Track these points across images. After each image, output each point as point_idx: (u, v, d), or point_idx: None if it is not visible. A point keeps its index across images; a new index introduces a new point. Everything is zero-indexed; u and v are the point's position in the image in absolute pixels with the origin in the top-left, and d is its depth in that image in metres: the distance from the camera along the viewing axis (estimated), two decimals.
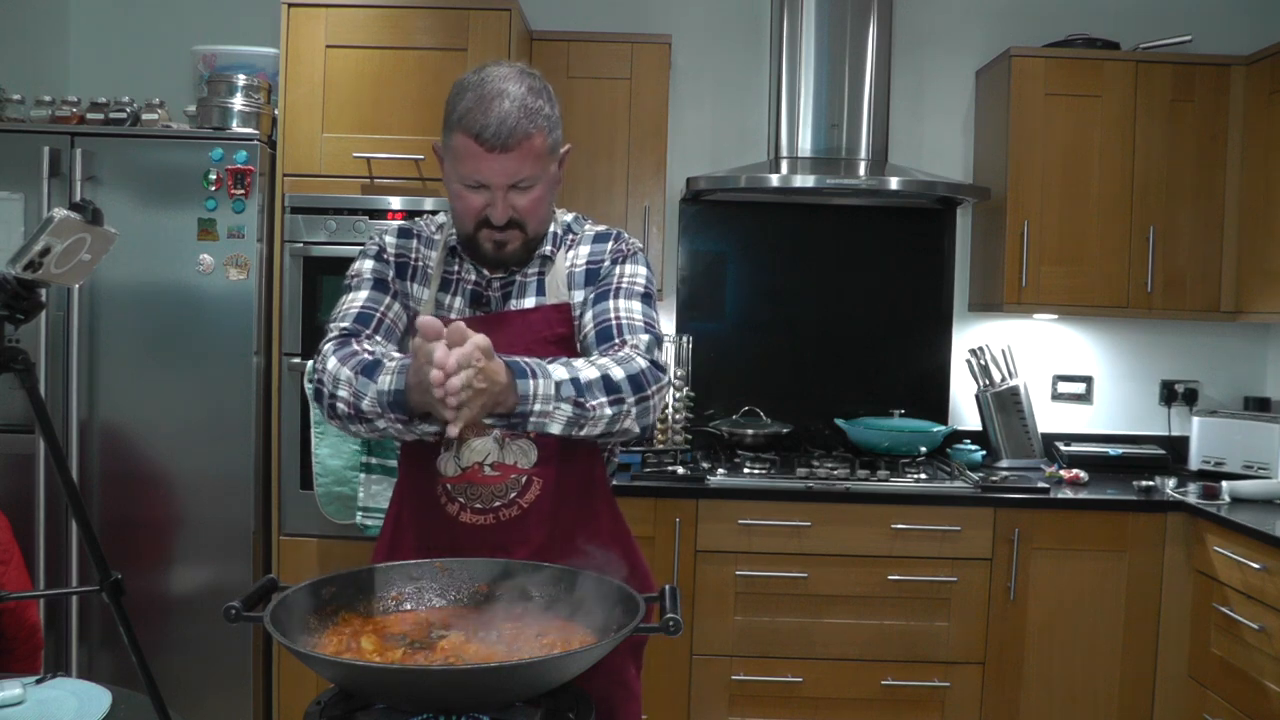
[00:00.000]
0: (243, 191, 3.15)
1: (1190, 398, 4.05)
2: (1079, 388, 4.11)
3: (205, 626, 3.17)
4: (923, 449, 3.74)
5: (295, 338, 3.26)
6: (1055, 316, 3.99)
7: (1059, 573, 3.38)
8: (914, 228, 4.05)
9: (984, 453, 3.86)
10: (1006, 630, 3.39)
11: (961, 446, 3.84)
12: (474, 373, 1.44)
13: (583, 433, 1.63)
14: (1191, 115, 3.67)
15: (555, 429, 1.60)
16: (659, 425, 3.70)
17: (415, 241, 1.92)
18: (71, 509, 1.80)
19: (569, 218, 1.96)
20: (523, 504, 1.81)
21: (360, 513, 3.15)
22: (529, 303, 1.86)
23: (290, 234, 3.25)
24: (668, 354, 3.75)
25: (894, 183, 3.63)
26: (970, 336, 4.06)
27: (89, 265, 1.61)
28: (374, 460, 3.12)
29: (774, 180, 3.61)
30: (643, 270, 1.89)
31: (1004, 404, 3.89)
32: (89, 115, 3.24)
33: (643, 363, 1.70)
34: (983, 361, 3.94)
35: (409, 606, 1.60)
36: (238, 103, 3.24)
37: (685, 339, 3.87)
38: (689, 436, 3.80)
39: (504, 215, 1.76)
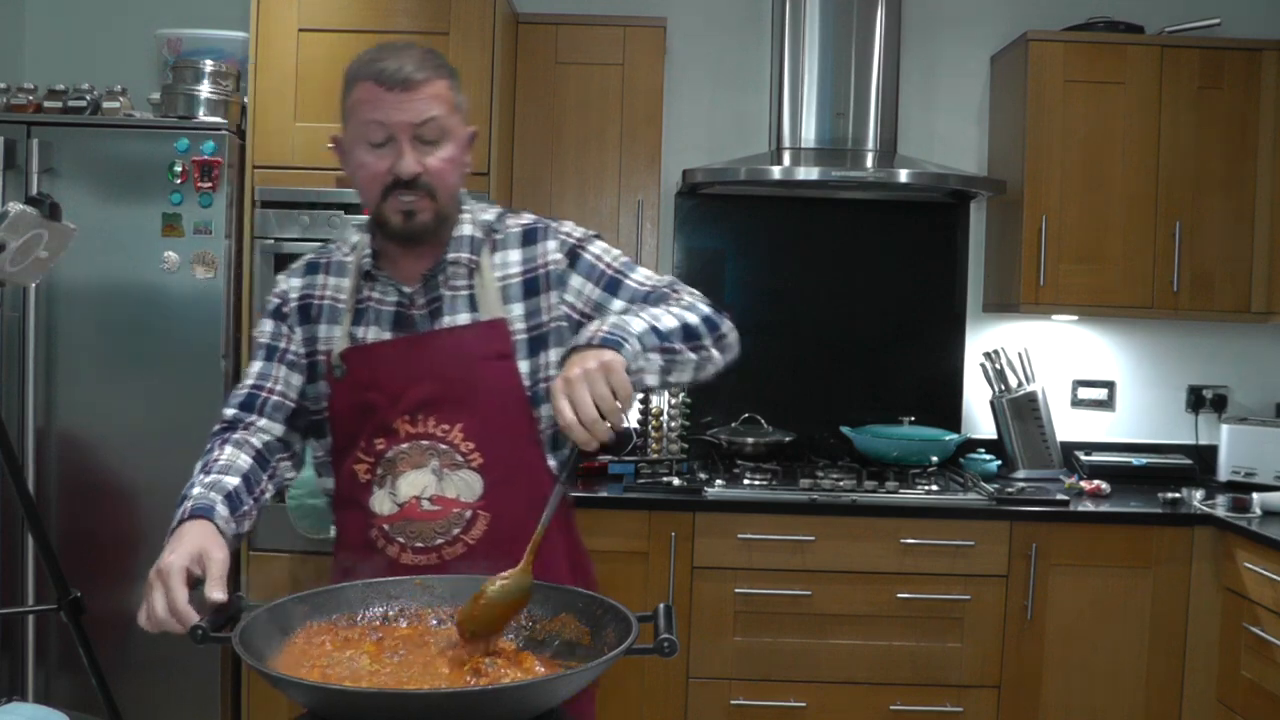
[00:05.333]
0: (210, 184, 3.16)
1: (1219, 404, 4.06)
2: (1100, 393, 4.12)
3: (170, 648, 3.10)
4: (934, 459, 3.75)
5: None
6: (1075, 317, 4.00)
7: (1079, 590, 3.39)
8: (925, 223, 4.07)
9: (999, 462, 3.88)
10: (1023, 652, 3.40)
11: (975, 456, 3.85)
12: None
13: (671, 379, 1.72)
14: (1221, 103, 3.68)
15: (652, 380, 1.67)
16: (653, 433, 3.71)
17: (321, 276, 1.91)
18: (28, 523, 1.81)
19: (490, 215, 1.93)
20: (468, 540, 1.79)
21: (335, 528, 3.16)
22: (463, 319, 1.84)
23: (260, 229, 3.26)
24: None
25: (903, 175, 3.64)
26: (985, 339, 4.07)
27: (46, 262, 1.62)
28: None
29: (776, 172, 3.63)
30: (614, 249, 1.92)
31: (1020, 411, 3.90)
32: (46, 104, 3.24)
33: (705, 308, 1.82)
34: (998, 365, 3.95)
35: (401, 624, 1.60)
36: (204, 90, 3.25)
37: None
38: (685, 445, 3.80)
39: (413, 166, 1.74)
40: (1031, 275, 3.69)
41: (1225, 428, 3.90)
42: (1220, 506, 3.46)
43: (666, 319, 1.71)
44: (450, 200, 1.82)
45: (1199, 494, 3.65)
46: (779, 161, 3.76)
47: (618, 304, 1.85)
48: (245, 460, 1.78)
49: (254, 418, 1.85)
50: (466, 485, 1.79)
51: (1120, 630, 3.40)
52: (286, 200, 3.26)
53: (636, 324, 1.65)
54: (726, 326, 1.83)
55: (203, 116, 3.24)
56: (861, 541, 3.37)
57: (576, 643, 1.54)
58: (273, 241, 3.25)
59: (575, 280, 1.87)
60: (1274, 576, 3.07)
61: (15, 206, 1.54)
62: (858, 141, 3.79)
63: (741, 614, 3.39)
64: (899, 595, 3.37)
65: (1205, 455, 3.99)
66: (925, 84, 4.05)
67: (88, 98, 3.26)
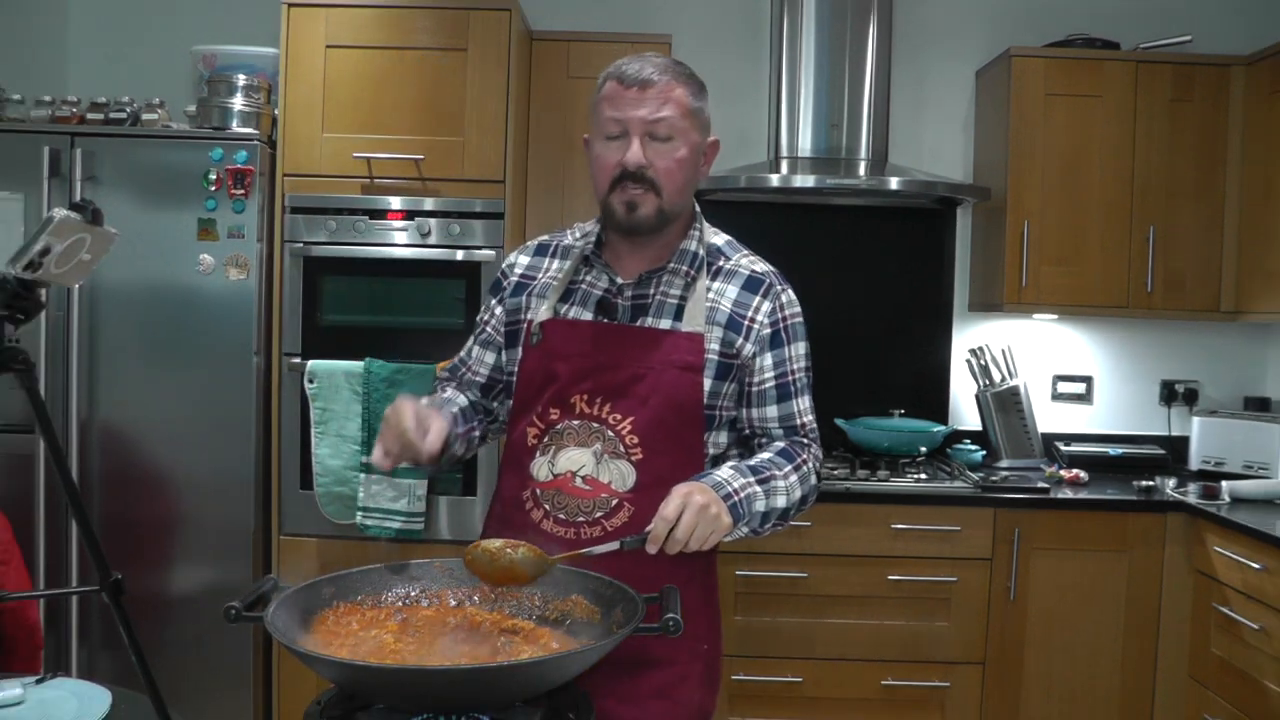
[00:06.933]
0: (243, 191, 3.15)
1: (1190, 398, 4.05)
2: (1079, 388, 4.10)
3: (205, 626, 3.17)
4: (923, 449, 3.74)
5: (295, 338, 3.25)
6: (1055, 316, 3.98)
7: (1059, 573, 3.38)
8: (914, 228, 4.05)
9: (984, 453, 3.86)
10: (1006, 630, 3.39)
11: (961, 446, 3.84)
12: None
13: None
14: (1191, 115, 3.67)
15: (725, 538, 1.72)
16: None
17: (548, 259, 1.94)
18: (71, 509, 1.80)
19: (719, 241, 1.96)
20: (606, 526, 1.75)
21: (360, 513, 3.16)
22: (665, 324, 1.82)
23: (290, 234, 3.25)
24: None
25: (894, 183, 3.63)
26: (970, 336, 4.06)
27: (89, 265, 1.61)
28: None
29: (774, 180, 3.61)
30: (803, 346, 1.94)
31: (1004, 404, 3.89)
32: (89, 115, 3.23)
33: (815, 479, 1.84)
34: (983, 361, 3.93)
35: (423, 604, 1.60)
36: (238, 103, 3.24)
37: None
38: None
39: (638, 157, 1.75)
40: (1014, 277, 3.67)
41: (1196, 420, 3.89)
42: (1191, 494, 3.44)
43: (781, 499, 1.76)
44: (676, 200, 1.82)
45: (1171, 482, 3.64)
46: (777, 170, 3.74)
47: (771, 410, 1.86)
48: (464, 400, 1.94)
49: (455, 384, 2.01)
50: (621, 475, 1.76)
51: (1098, 610, 3.39)
52: (314, 206, 3.25)
53: (760, 504, 1.72)
54: (814, 495, 1.85)
55: (236, 128, 3.23)
56: (855, 527, 3.36)
57: (587, 622, 1.53)
58: (301, 245, 3.24)
59: (766, 360, 1.87)
60: (1242, 559, 3.06)
61: (60, 212, 1.52)
62: (851, 151, 3.78)
63: (742, 595, 3.38)
64: (890, 577, 3.36)
65: (1177, 446, 3.98)
66: (914, 97, 4.03)
67: (128, 110, 3.25)
